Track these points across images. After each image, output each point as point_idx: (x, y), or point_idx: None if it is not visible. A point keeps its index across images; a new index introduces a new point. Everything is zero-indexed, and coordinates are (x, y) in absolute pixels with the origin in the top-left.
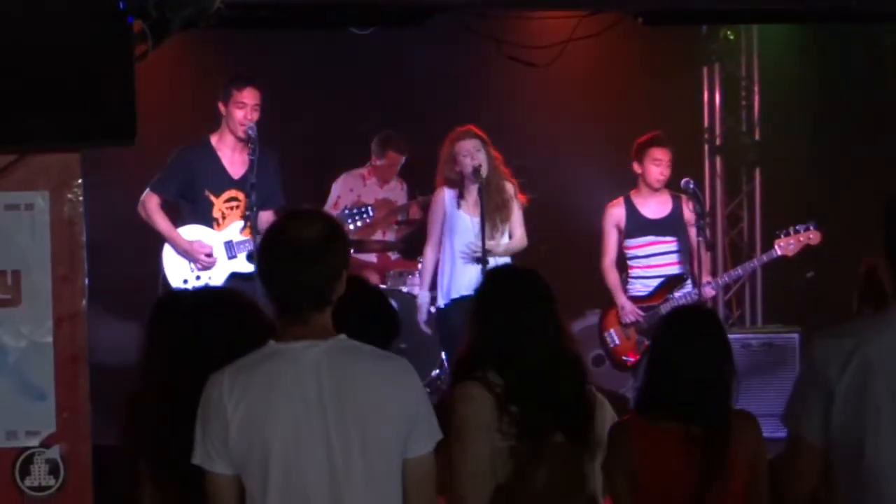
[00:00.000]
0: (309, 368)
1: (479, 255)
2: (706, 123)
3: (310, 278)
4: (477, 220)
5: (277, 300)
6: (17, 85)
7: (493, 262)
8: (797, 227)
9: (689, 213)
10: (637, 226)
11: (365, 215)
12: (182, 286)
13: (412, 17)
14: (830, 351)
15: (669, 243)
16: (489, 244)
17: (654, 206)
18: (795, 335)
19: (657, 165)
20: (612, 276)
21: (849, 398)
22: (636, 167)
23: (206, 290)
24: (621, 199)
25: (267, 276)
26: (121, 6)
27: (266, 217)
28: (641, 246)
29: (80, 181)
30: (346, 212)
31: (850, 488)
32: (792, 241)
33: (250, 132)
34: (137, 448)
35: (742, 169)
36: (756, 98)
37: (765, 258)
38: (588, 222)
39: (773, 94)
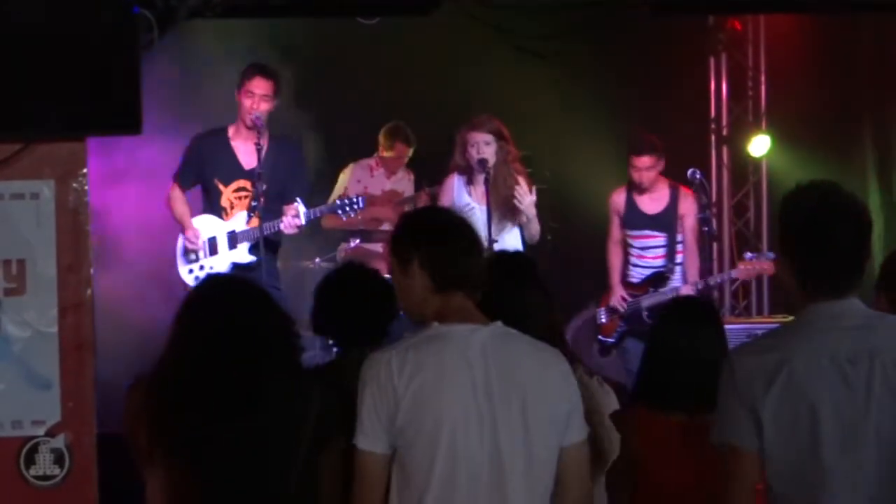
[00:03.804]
0: (476, 352)
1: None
2: (713, 114)
3: (480, 257)
4: (484, 209)
5: (447, 274)
6: (22, 74)
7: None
8: (762, 255)
9: (685, 207)
10: (634, 218)
11: (355, 206)
12: (187, 275)
13: (419, 6)
14: (753, 369)
15: (659, 238)
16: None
17: (649, 202)
18: None
19: (636, 172)
20: (613, 258)
21: (779, 417)
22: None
23: (238, 278)
24: (624, 189)
25: (440, 249)
26: None
27: (291, 210)
28: (638, 238)
29: (85, 170)
30: (338, 202)
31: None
32: (749, 267)
33: (256, 121)
34: (154, 431)
35: (749, 159)
36: (763, 88)
37: (726, 276)
38: (596, 213)
39: (780, 84)
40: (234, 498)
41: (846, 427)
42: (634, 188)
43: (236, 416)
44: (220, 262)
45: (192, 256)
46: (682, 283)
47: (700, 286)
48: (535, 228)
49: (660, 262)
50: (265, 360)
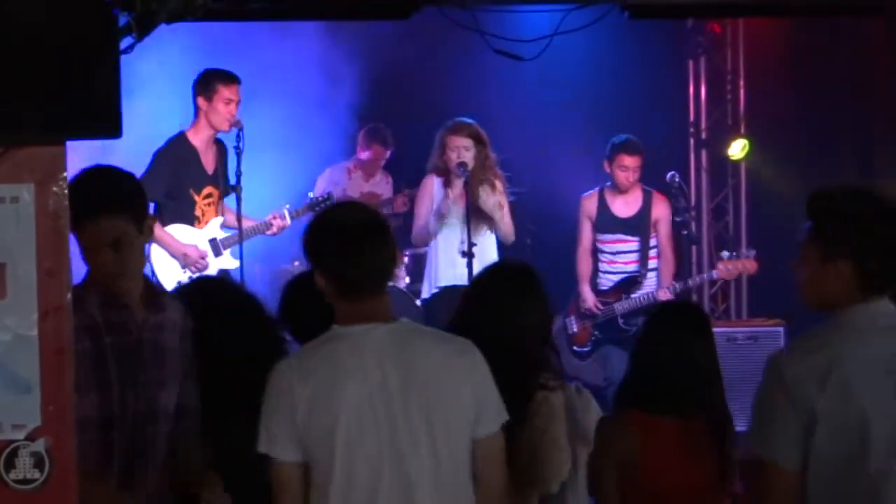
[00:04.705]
0: (372, 351)
1: (464, 248)
2: (692, 117)
3: (376, 258)
4: (462, 211)
5: (341, 282)
6: (0, 78)
7: (478, 254)
8: (741, 253)
9: (659, 211)
10: (606, 222)
11: (329, 202)
12: (175, 287)
13: (399, 9)
14: (804, 370)
15: (631, 242)
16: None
17: (622, 205)
18: (780, 329)
19: (623, 171)
20: (581, 265)
21: (831, 416)
22: (606, 166)
23: (226, 280)
24: (596, 193)
25: (329, 257)
26: None
27: (278, 217)
28: (610, 243)
29: (65, 174)
30: (311, 199)
31: None
32: (731, 267)
33: (236, 125)
34: None
35: (727, 162)
36: (741, 92)
37: (706, 277)
38: (574, 216)
39: (758, 87)
40: (232, 498)
41: (895, 429)
42: (613, 189)
43: (231, 415)
44: (207, 271)
45: (191, 269)
46: (648, 291)
47: (678, 288)
48: (506, 228)
49: (632, 267)
50: (260, 360)
